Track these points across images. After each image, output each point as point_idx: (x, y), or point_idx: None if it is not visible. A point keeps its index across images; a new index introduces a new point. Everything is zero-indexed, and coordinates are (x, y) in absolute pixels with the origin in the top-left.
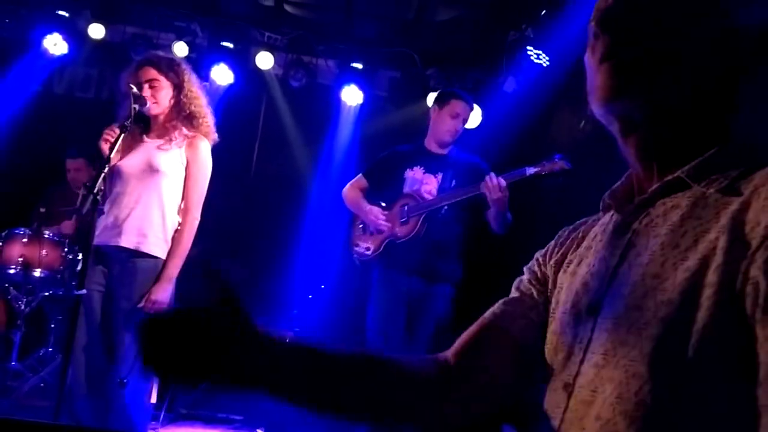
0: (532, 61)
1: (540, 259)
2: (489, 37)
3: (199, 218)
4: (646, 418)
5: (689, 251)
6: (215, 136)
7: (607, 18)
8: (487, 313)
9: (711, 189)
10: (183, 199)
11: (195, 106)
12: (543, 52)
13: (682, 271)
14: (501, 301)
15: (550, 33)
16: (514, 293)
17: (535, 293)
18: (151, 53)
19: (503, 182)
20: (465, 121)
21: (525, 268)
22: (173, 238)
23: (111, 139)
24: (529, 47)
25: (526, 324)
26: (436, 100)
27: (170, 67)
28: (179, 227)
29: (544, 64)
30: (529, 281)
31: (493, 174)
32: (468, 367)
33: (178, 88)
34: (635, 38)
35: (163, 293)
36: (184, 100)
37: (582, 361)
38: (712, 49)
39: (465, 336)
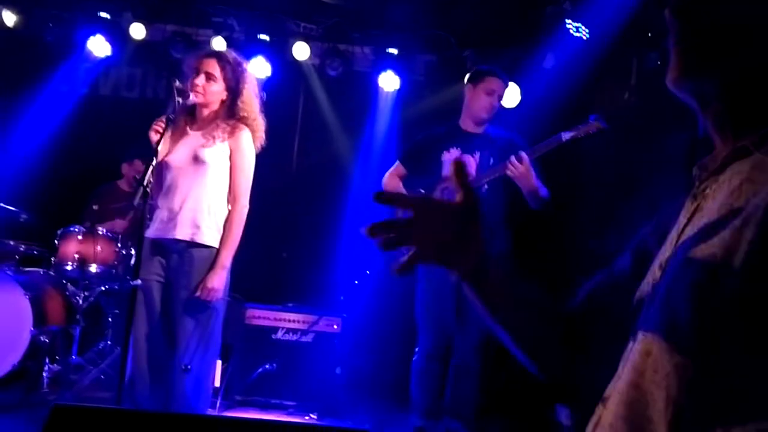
0: (572, 34)
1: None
2: (526, 13)
3: (247, 206)
4: (681, 384)
5: (739, 212)
6: (263, 140)
7: (678, 5)
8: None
9: None
10: (230, 188)
11: (247, 112)
12: (582, 25)
13: (729, 229)
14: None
15: (588, 4)
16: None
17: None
18: (224, 51)
19: (525, 157)
20: (500, 98)
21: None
22: (225, 227)
23: (160, 129)
24: (567, 20)
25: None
26: (470, 78)
27: (233, 69)
28: (229, 216)
29: (584, 37)
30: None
31: (515, 156)
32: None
33: (234, 92)
34: (704, 23)
35: (219, 280)
36: (240, 105)
37: (637, 327)
38: None
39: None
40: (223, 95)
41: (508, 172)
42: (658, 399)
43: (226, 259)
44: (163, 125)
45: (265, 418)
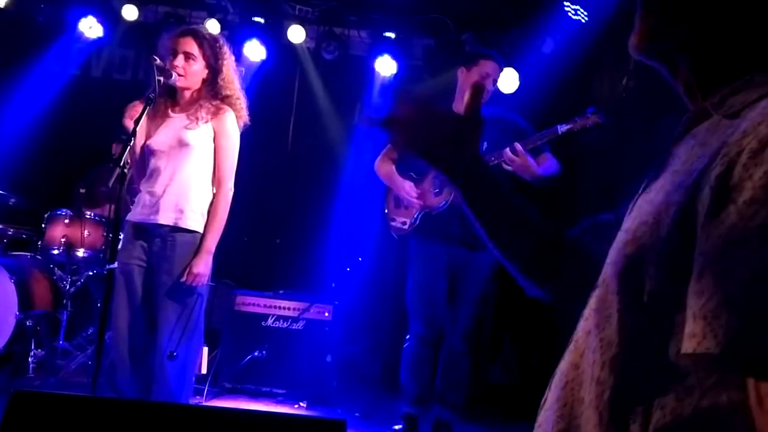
0: (570, 17)
1: None
2: None
3: (232, 189)
4: (615, 349)
5: (683, 176)
6: (246, 118)
7: None
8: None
9: (724, 115)
10: (215, 171)
11: (229, 90)
12: (581, 7)
13: (662, 195)
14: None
15: None
16: None
17: None
18: (198, 27)
19: (520, 149)
20: (495, 81)
21: None
22: (209, 211)
23: (135, 115)
24: (566, 3)
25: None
26: (464, 62)
27: (212, 46)
28: (214, 199)
29: (583, 20)
30: None
31: (514, 146)
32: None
33: (214, 70)
34: None
35: (204, 266)
36: (221, 83)
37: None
38: None
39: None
40: (204, 74)
41: (506, 167)
42: (587, 378)
43: (211, 243)
44: (137, 111)
45: (251, 407)
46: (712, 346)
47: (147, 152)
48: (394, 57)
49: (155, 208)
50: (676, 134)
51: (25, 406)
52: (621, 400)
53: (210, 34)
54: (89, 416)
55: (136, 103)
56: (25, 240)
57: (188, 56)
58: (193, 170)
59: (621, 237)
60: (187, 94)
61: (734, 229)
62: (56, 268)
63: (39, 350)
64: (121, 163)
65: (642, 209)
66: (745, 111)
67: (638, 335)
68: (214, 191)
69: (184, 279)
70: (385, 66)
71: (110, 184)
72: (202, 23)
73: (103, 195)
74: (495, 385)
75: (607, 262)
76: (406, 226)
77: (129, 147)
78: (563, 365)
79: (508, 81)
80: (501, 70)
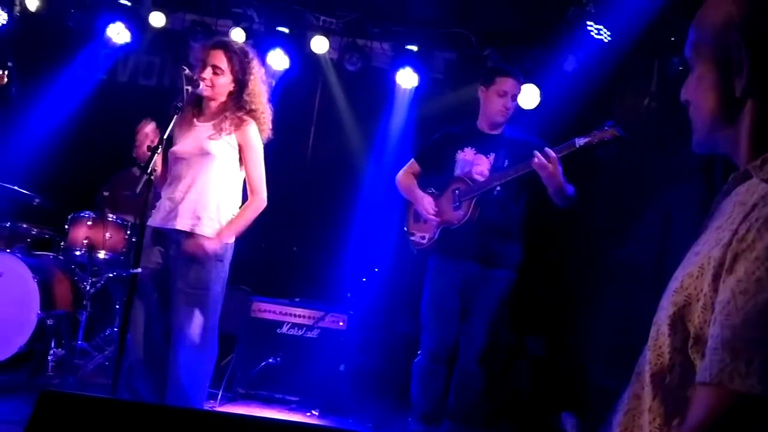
0: (593, 36)
1: None
2: (548, 14)
3: (266, 201)
4: (662, 384)
5: (723, 232)
6: (270, 132)
7: None
8: None
9: (762, 179)
10: (248, 183)
11: (254, 104)
12: (604, 27)
13: (706, 248)
14: None
15: (611, 6)
16: None
17: None
18: (229, 40)
19: (552, 154)
20: (515, 97)
21: None
22: (241, 210)
23: (145, 145)
24: (589, 22)
25: None
26: (482, 80)
27: (240, 61)
28: (247, 203)
29: (606, 40)
30: None
31: (540, 150)
32: None
33: (241, 84)
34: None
35: (212, 245)
36: (246, 98)
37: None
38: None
39: None
40: (231, 87)
41: (534, 166)
42: (645, 408)
43: (227, 233)
44: (149, 132)
45: (264, 413)
46: (707, 377)
47: (170, 159)
48: (416, 70)
49: (174, 213)
50: (724, 189)
51: (52, 405)
52: (669, 427)
53: (241, 48)
54: (114, 418)
55: (144, 126)
56: (48, 240)
57: (216, 69)
58: (213, 179)
59: (672, 284)
60: (213, 104)
61: (740, 282)
62: (77, 269)
63: (59, 349)
64: (149, 170)
65: (690, 260)
66: None
67: (682, 373)
68: (241, 201)
69: (186, 247)
70: (407, 79)
71: (138, 190)
72: (228, 32)
73: (127, 199)
74: (508, 399)
75: (660, 305)
76: (425, 241)
77: (156, 154)
78: (627, 392)
79: (530, 97)
80: (520, 85)
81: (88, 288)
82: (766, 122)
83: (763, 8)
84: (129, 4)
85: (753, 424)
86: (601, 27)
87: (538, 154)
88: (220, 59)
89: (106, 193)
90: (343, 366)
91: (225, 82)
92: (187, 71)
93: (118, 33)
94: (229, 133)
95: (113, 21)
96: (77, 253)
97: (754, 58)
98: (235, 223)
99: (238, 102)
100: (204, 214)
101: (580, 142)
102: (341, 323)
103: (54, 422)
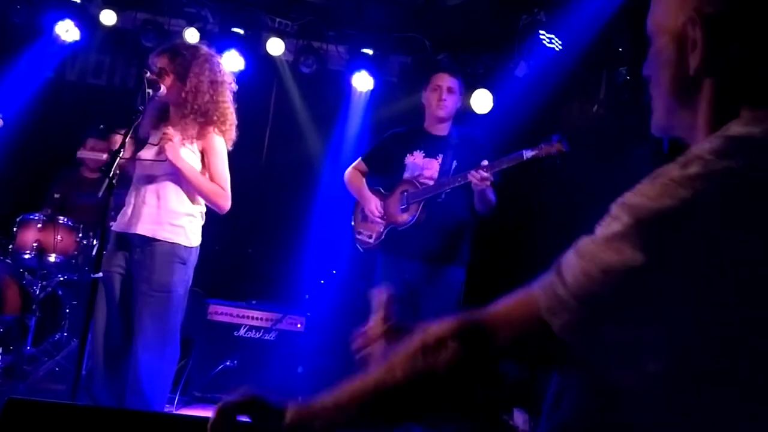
0: (545, 45)
1: None
2: (501, 21)
3: (230, 201)
4: None
5: None
6: (233, 137)
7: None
8: None
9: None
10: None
11: (203, 102)
12: (555, 36)
13: None
14: None
15: (562, 17)
16: None
17: None
18: (181, 42)
19: (486, 174)
20: (450, 90)
21: None
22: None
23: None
24: (541, 31)
25: None
26: (424, 85)
27: (183, 59)
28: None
29: (557, 49)
30: None
31: (482, 166)
32: None
33: (182, 78)
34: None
35: (170, 150)
36: (184, 95)
37: None
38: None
39: None
40: (181, 87)
41: (472, 181)
42: None
43: (187, 169)
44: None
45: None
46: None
47: (132, 164)
48: (371, 73)
49: (135, 218)
50: None
51: (18, 412)
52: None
53: (178, 44)
54: (80, 424)
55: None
56: None
57: (160, 72)
58: (173, 185)
59: None
60: (175, 110)
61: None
62: (26, 273)
63: (7, 355)
64: (110, 174)
65: None
66: None
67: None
68: (195, 208)
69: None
70: (362, 82)
71: (99, 194)
72: (181, 32)
73: (79, 200)
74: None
75: None
76: (371, 240)
77: (118, 158)
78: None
79: (482, 102)
80: (455, 78)
81: (37, 292)
82: (724, 106)
83: None
84: (78, 1)
85: None
86: (552, 36)
87: (476, 173)
88: (165, 62)
89: (56, 195)
90: (301, 368)
91: (170, 82)
92: (148, 74)
93: (67, 30)
94: (192, 141)
95: (62, 18)
96: (26, 256)
97: (708, 34)
98: (199, 177)
99: (192, 105)
100: (165, 219)
101: (528, 154)
102: (299, 325)
103: (20, 429)
